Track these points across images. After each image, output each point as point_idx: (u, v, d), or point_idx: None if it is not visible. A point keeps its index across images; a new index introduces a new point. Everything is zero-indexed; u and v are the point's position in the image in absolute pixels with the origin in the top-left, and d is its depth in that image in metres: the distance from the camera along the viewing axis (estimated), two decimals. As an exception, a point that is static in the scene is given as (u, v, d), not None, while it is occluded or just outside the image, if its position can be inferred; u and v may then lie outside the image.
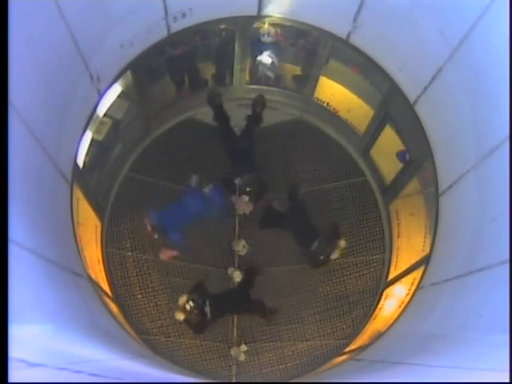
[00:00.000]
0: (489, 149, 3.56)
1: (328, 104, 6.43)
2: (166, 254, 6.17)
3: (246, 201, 6.43)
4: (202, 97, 6.47)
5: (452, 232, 4.49)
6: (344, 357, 5.91)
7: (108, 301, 5.43)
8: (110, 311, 5.07)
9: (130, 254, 6.17)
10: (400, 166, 5.85)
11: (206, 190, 5.98)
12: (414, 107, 4.85)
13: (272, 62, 6.22)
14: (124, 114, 5.71)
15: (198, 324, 5.81)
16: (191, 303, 5.68)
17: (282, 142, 6.76)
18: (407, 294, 5.18)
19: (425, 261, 4.92)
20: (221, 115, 6.25)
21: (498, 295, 3.00)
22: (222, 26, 5.60)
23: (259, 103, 6.24)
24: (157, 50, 5.22)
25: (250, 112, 6.30)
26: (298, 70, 6.43)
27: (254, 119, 6.28)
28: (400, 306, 5.28)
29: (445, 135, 4.51)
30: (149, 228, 5.97)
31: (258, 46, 5.97)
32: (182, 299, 5.70)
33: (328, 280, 6.33)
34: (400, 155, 5.79)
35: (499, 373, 2.19)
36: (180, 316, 5.73)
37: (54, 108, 3.79)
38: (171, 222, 5.91)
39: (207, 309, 5.67)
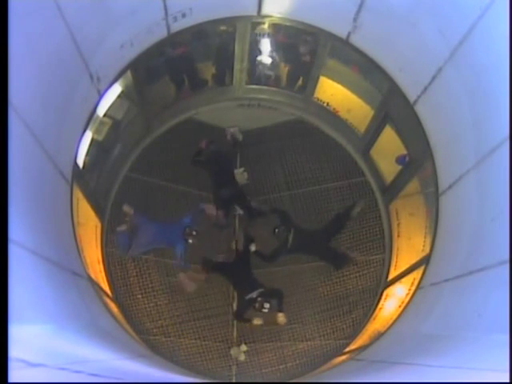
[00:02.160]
0: (489, 149, 3.56)
1: (328, 104, 6.43)
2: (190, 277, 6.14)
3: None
4: (202, 97, 6.47)
5: (452, 232, 4.49)
6: (344, 357, 5.90)
7: (108, 301, 5.43)
8: (110, 311, 5.07)
9: (130, 253, 6.16)
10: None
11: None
12: (413, 107, 4.84)
13: (272, 62, 6.22)
14: (124, 113, 5.71)
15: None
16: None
17: (281, 142, 6.77)
18: (407, 294, 5.18)
19: (425, 261, 4.92)
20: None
21: (498, 295, 3.00)
22: (222, 27, 5.58)
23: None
24: (157, 50, 5.21)
25: None
26: (297, 70, 6.42)
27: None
28: (400, 306, 5.28)
29: (445, 135, 4.51)
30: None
31: (257, 46, 5.96)
32: None
33: (328, 280, 6.33)
34: (400, 160, 5.78)
35: (499, 373, 2.19)
36: None
37: (54, 108, 3.79)
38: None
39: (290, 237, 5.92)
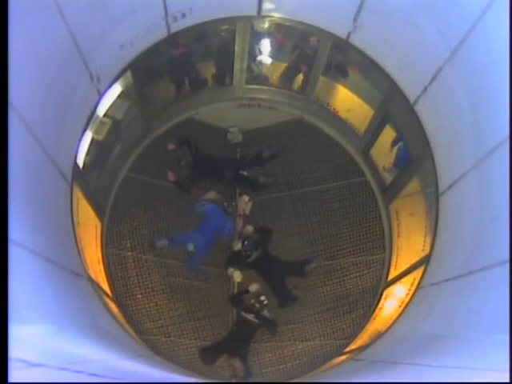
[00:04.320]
0: (489, 149, 3.56)
1: (328, 104, 6.44)
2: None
3: (246, 200, 6.45)
4: (201, 97, 6.48)
5: (452, 232, 4.49)
6: (344, 357, 5.90)
7: (108, 301, 5.43)
8: (110, 311, 5.07)
9: (129, 254, 6.17)
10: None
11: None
12: (414, 107, 4.85)
13: (272, 62, 6.23)
14: (124, 113, 5.72)
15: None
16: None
17: (281, 142, 6.78)
18: (407, 294, 5.18)
19: (425, 261, 4.92)
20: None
21: (498, 295, 3.00)
22: (222, 26, 5.60)
23: None
24: (157, 50, 5.21)
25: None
26: (297, 70, 6.43)
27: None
28: (400, 306, 5.27)
29: (445, 135, 4.51)
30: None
31: (257, 46, 5.97)
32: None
33: (328, 280, 6.33)
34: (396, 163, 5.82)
35: (499, 373, 2.19)
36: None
37: (54, 108, 3.79)
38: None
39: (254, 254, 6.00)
